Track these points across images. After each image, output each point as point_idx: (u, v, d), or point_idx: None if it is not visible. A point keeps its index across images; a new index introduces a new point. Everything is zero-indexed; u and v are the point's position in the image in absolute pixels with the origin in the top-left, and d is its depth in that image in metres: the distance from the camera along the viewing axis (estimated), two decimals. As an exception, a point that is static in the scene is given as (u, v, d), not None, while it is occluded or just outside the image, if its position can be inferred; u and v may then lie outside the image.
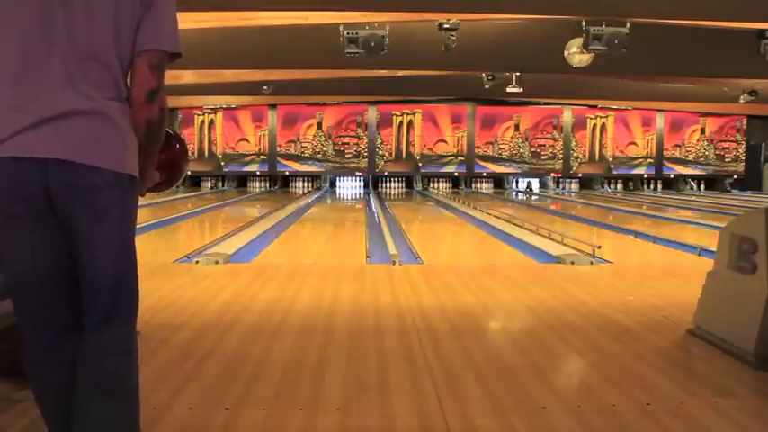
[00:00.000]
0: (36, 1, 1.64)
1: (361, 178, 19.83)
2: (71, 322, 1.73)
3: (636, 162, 20.59)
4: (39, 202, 1.63)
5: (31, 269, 1.68)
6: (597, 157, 20.39)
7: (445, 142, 19.78)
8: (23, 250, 1.67)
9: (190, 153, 18.81)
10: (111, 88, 1.68)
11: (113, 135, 1.67)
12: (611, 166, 20.51)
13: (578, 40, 9.02)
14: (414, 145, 19.72)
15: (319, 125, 19.49)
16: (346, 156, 19.59)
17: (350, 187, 19.73)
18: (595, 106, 20.07)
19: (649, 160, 20.62)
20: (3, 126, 1.60)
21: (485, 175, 20.13)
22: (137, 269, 1.79)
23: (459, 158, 19.84)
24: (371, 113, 19.56)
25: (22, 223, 1.65)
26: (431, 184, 20.03)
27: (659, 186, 20.91)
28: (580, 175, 20.47)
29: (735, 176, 20.72)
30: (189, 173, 19.57)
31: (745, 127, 20.61)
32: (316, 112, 19.41)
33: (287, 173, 19.68)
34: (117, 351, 1.73)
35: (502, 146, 19.96)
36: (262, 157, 19.50)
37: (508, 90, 13.90)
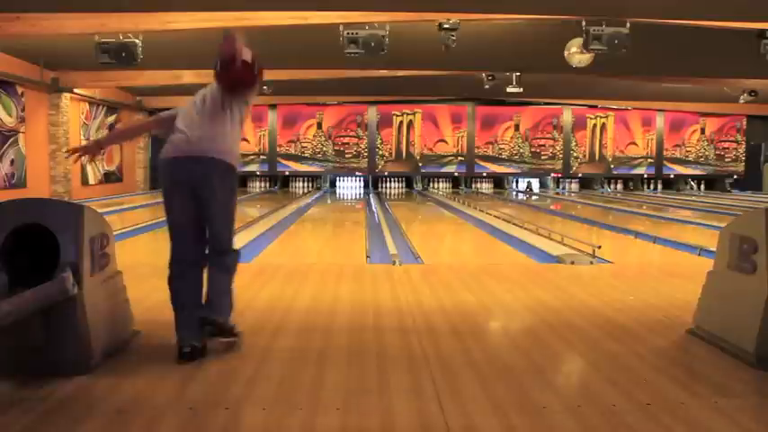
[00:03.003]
0: (207, 101, 3.28)
1: (361, 178, 19.83)
2: (198, 256, 3.23)
3: (636, 162, 20.60)
4: (184, 184, 3.13)
5: (180, 220, 3.19)
6: (597, 157, 20.41)
7: (445, 142, 19.78)
8: (178, 209, 3.18)
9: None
10: (225, 127, 3.24)
11: (226, 147, 3.21)
12: (612, 166, 20.53)
13: (578, 40, 9.03)
14: (414, 145, 19.73)
15: (319, 125, 19.50)
16: (346, 156, 19.59)
17: (350, 187, 19.73)
18: (595, 106, 20.08)
19: (649, 160, 20.64)
20: (179, 145, 3.17)
21: (485, 175, 20.15)
22: (234, 225, 3.33)
23: (459, 158, 19.86)
24: (371, 113, 19.57)
25: (176, 194, 3.16)
26: (431, 184, 20.03)
27: (659, 186, 20.92)
28: (580, 175, 20.49)
29: (735, 176, 20.74)
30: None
31: (745, 127, 20.62)
32: (316, 112, 19.42)
33: (287, 173, 19.70)
34: (227, 267, 3.28)
35: (502, 146, 19.97)
36: (262, 157, 19.52)
37: (508, 90, 13.91)
